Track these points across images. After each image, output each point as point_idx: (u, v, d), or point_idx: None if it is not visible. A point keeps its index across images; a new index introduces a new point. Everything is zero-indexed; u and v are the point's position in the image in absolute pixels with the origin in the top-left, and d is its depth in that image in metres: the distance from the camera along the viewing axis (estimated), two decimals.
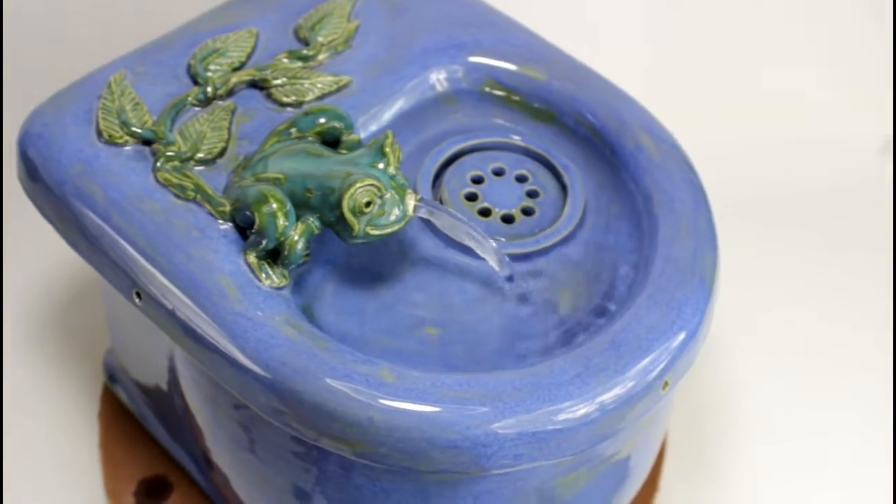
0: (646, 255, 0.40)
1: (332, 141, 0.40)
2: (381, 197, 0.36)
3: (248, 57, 0.43)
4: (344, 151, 0.39)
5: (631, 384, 0.36)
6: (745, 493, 0.50)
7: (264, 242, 0.37)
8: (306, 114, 0.40)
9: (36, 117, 0.41)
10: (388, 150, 0.37)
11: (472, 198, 0.41)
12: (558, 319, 0.38)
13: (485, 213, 0.41)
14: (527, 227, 0.40)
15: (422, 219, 0.38)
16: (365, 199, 0.36)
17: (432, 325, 0.38)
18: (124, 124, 0.40)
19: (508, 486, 0.38)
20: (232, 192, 0.38)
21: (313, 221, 0.37)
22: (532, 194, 0.41)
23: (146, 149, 0.40)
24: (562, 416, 0.35)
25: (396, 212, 0.37)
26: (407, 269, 0.39)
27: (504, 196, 0.41)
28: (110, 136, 0.40)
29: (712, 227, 0.40)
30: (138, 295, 0.38)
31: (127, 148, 0.40)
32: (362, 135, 0.42)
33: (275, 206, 0.36)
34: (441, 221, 0.38)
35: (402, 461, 0.35)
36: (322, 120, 0.39)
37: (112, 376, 0.50)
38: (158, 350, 0.44)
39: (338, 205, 0.36)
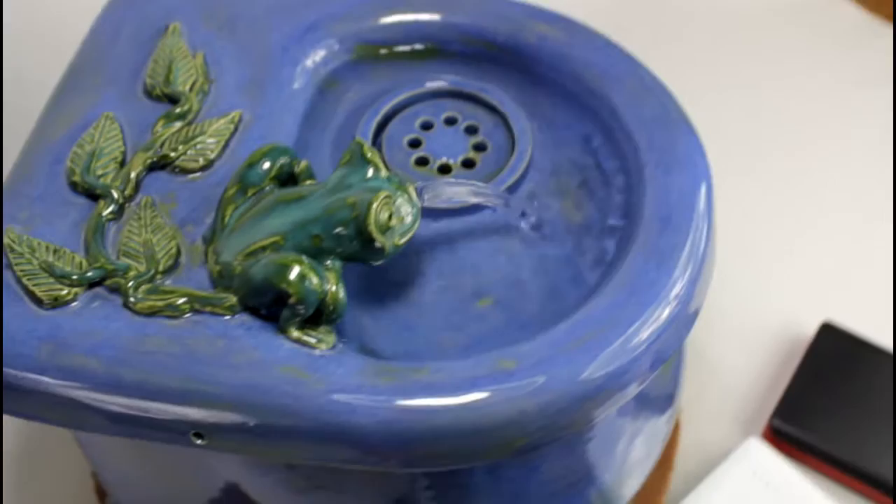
0: (613, 127, 0.39)
1: (286, 179, 0.36)
2: (394, 204, 0.34)
3: (125, 143, 0.38)
4: (308, 182, 0.36)
5: (688, 270, 0.35)
6: None
7: (304, 311, 0.33)
8: (249, 166, 0.35)
9: None
10: (369, 156, 0.34)
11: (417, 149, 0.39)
12: (580, 232, 0.37)
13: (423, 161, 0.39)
14: (493, 159, 0.39)
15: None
16: (386, 215, 0.33)
17: (481, 297, 0.36)
18: (61, 278, 0.34)
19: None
20: (227, 282, 0.34)
21: (334, 264, 0.34)
22: (471, 130, 0.40)
23: (101, 290, 0.35)
24: (665, 313, 0.35)
25: (409, 210, 0.34)
26: (420, 263, 0.37)
27: (446, 138, 0.39)
28: (55, 298, 0.34)
29: (659, 81, 0.40)
30: (199, 436, 0.33)
31: (79, 301, 0.34)
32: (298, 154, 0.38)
33: (300, 269, 0.33)
34: (444, 195, 0.36)
35: (562, 430, 0.33)
36: (267, 165, 0.36)
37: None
38: (186, 479, 0.39)
39: (359, 234, 0.33)
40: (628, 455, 0.40)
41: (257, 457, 0.34)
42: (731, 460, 0.47)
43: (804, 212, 0.56)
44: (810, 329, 0.52)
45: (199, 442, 0.34)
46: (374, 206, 0.33)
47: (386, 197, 0.33)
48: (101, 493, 0.47)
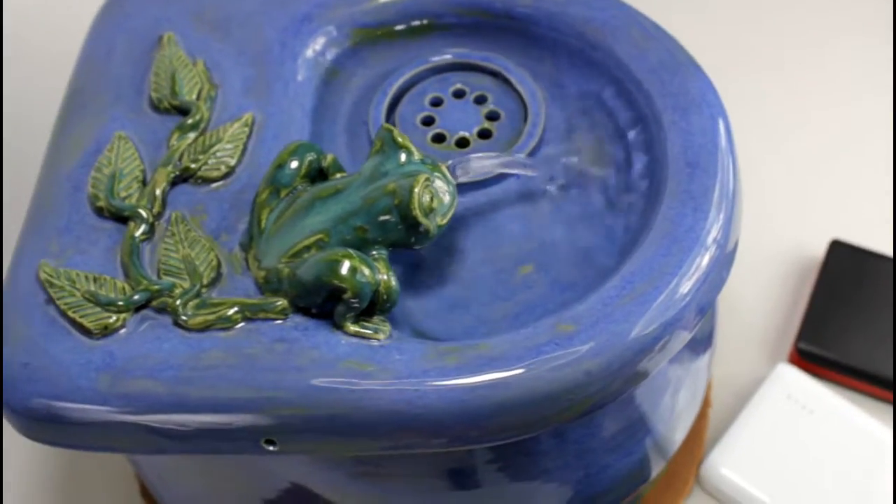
0: (622, 78, 0.39)
1: (316, 175, 0.36)
2: (433, 185, 0.34)
3: (143, 161, 0.37)
4: (339, 175, 0.36)
5: (722, 211, 0.36)
6: None
7: (359, 304, 0.33)
8: (278, 167, 0.35)
9: (12, 360, 0.34)
10: (400, 140, 0.34)
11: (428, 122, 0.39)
12: (607, 187, 0.38)
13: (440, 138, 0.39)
14: (507, 126, 0.39)
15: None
16: (428, 197, 0.33)
17: (522, 265, 0.36)
18: (107, 305, 0.34)
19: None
20: (275, 286, 0.34)
21: (380, 253, 0.34)
22: (480, 100, 0.40)
23: (148, 312, 0.34)
24: (706, 258, 0.35)
25: (446, 189, 0.34)
26: (456, 239, 0.37)
27: (459, 111, 0.40)
28: (104, 326, 0.34)
29: (659, 27, 0.40)
30: (270, 442, 0.33)
31: (128, 326, 0.34)
32: None
33: (350, 263, 0.33)
34: (475, 169, 0.36)
35: (625, 385, 0.34)
36: (296, 164, 0.35)
37: None
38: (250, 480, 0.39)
39: (403, 220, 0.33)
40: (677, 399, 0.41)
41: (329, 454, 0.34)
42: (764, 388, 0.48)
43: (802, 136, 0.57)
44: (820, 249, 0.53)
45: (271, 448, 0.34)
46: (417, 190, 0.33)
47: (426, 179, 0.33)
48: (147, 495, 0.46)
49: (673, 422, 0.41)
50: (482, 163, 0.36)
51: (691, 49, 0.60)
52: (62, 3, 0.63)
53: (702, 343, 0.42)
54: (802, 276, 0.52)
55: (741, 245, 0.53)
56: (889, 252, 0.53)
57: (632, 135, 0.38)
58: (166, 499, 0.43)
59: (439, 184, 0.34)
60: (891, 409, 0.49)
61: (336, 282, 0.32)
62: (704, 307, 0.35)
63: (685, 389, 0.41)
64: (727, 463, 0.46)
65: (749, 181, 0.55)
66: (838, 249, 0.51)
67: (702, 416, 0.47)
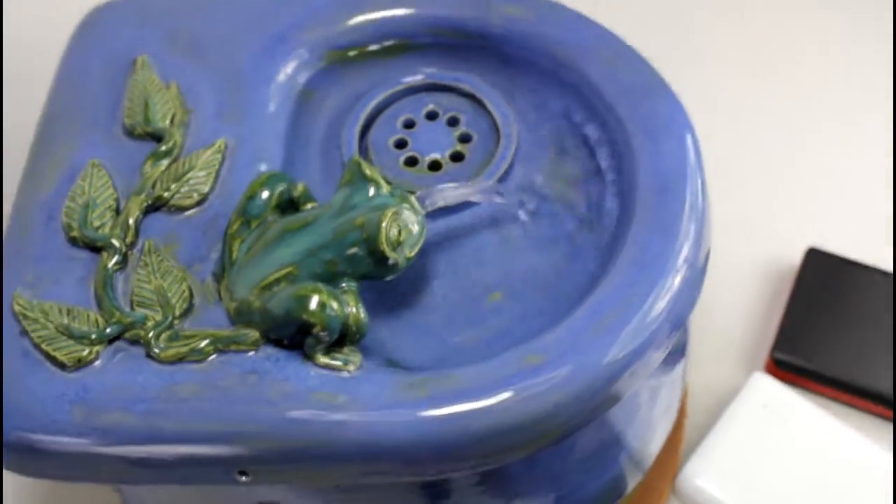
0: (592, 99, 0.39)
1: (287, 205, 0.36)
2: (401, 218, 0.34)
3: (116, 189, 0.38)
4: (310, 205, 0.36)
5: (691, 233, 0.36)
6: None
7: (328, 337, 0.33)
8: (249, 197, 0.35)
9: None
10: (368, 173, 0.34)
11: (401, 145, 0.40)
12: (576, 212, 0.38)
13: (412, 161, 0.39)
14: (479, 147, 0.39)
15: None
16: (395, 231, 0.33)
17: (491, 292, 0.37)
18: (80, 339, 0.34)
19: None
20: (247, 318, 0.34)
21: (349, 285, 0.34)
22: (453, 121, 0.40)
23: (121, 343, 0.35)
24: (677, 280, 0.35)
25: (415, 219, 0.34)
26: (425, 266, 0.37)
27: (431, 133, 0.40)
28: (79, 360, 0.34)
29: (630, 47, 0.40)
30: (243, 473, 0.34)
31: (101, 358, 0.34)
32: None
33: (319, 297, 0.33)
34: (444, 199, 0.36)
35: (594, 413, 0.34)
36: (266, 194, 0.36)
37: None
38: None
39: (371, 254, 0.33)
40: (652, 414, 0.41)
41: (301, 484, 0.35)
42: (739, 398, 0.48)
43: (778, 142, 0.57)
44: (796, 257, 0.53)
45: (243, 479, 0.34)
46: (384, 224, 0.33)
47: (393, 213, 0.33)
48: None
49: (648, 435, 0.42)
50: (452, 193, 0.36)
51: (664, 54, 0.60)
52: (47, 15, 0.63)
53: (676, 353, 0.43)
54: (778, 284, 0.53)
55: (716, 253, 0.54)
56: (866, 260, 0.53)
57: (602, 158, 0.39)
58: None
59: (407, 215, 0.34)
60: (866, 417, 0.49)
61: (305, 317, 0.33)
62: (677, 326, 0.35)
63: (660, 401, 0.42)
64: (703, 474, 0.47)
65: (724, 188, 0.55)
66: (815, 257, 0.51)
67: (677, 427, 0.48)
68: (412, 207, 0.34)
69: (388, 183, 0.35)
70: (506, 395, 0.33)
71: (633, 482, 0.42)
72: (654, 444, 0.42)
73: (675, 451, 0.48)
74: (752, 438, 0.47)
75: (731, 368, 0.51)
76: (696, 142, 0.38)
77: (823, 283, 0.51)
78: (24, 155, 0.58)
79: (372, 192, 0.34)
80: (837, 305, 0.50)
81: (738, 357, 0.51)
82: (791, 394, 0.48)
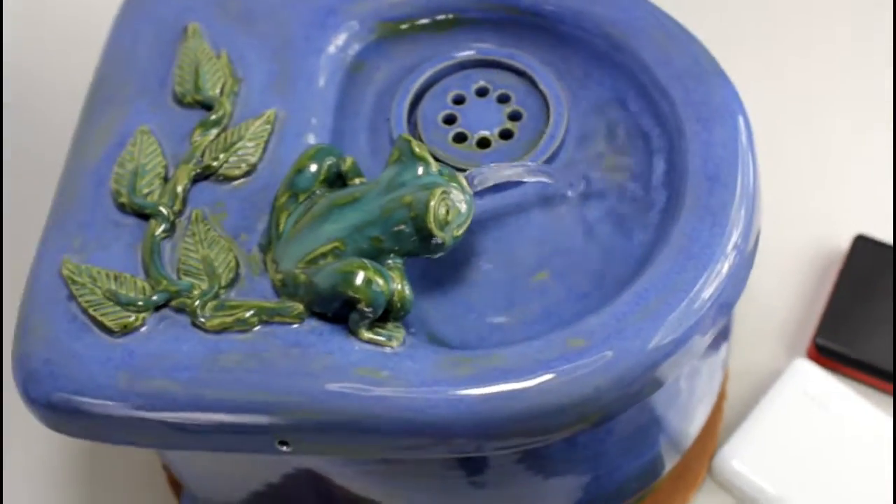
0: (645, 83, 0.39)
1: (335, 179, 0.36)
2: (449, 197, 0.34)
3: (165, 157, 0.38)
4: (358, 180, 0.36)
5: (741, 222, 0.36)
6: None
7: (373, 313, 0.33)
8: (298, 171, 0.36)
9: (28, 354, 0.35)
10: (418, 151, 0.34)
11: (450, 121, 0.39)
12: (625, 196, 0.38)
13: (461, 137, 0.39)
14: (529, 126, 0.39)
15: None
16: (444, 210, 0.33)
17: (537, 271, 0.37)
18: (127, 305, 0.35)
19: None
20: (292, 290, 0.35)
21: (395, 261, 0.34)
22: (503, 98, 0.40)
23: (167, 311, 0.35)
24: (725, 268, 0.35)
25: (462, 199, 0.34)
26: (472, 243, 0.37)
27: (480, 111, 0.39)
28: (125, 326, 0.35)
29: (685, 29, 0.39)
30: (284, 443, 0.34)
31: (147, 325, 0.35)
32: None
33: (365, 274, 0.33)
34: (493, 179, 0.36)
35: (636, 399, 0.34)
36: (315, 168, 0.36)
37: None
38: (265, 466, 0.40)
39: (418, 232, 0.33)
40: (693, 397, 0.41)
41: (341, 456, 0.35)
42: (780, 383, 0.48)
43: (827, 127, 0.56)
44: (844, 243, 0.53)
45: (284, 449, 0.34)
46: (432, 203, 0.33)
47: (442, 192, 0.33)
48: (175, 483, 0.48)
49: (688, 417, 0.42)
50: (501, 172, 0.36)
51: (714, 40, 0.59)
52: None
53: (719, 337, 0.42)
54: (825, 270, 0.52)
55: (763, 236, 0.53)
56: None
57: (653, 143, 0.38)
58: (183, 474, 0.44)
59: (456, 195, 0.34)
60: None
61: (351, 292, 0.33)
62: (724, 313, 0.35)
63: (702, 384, 0.42)
64: (740, 456, 0.46)
65: (773, 173, 0.55)
66: (862, 244, 0.51)
67: (716, 409, 0.48)
68: (460, 187, 0.34)
69: (437, 161, 0.34)
70: (548, 376, 0.33)
71: (670, 463, 0.42)
72: (693, 427, 0.42)
73: (713, 432, 0.48)
74: (790, 424, 0.47)
75: (772, 352, 0.50)
76: (749, 128, 0.37)
77: (870, 270, 0.50)
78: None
79: (421, 170, 0.34)
80: (883, 294, 0.50)
81: (780, 341, 0.51)
82: (832, 381, 0.48)
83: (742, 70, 0.58)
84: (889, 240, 0.52)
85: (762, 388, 0.49)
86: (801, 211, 0.54)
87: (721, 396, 0.48)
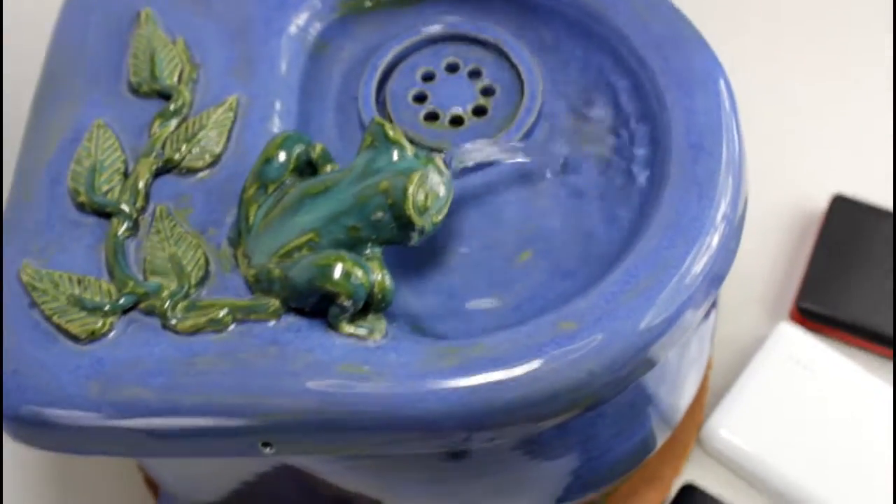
0: (622, 52, 0.38)
1: (305, 167, 0.34)
2: (427, 182, 0.32)
3: (124, 151, 0.36)
4: (329, 167, 0.34)
5: (728, 191, 0.35)
6: None
7: (353, 307, 0.32)
8: (266, 160, 0.34)
9: (6, 371, 0.33)
10: (392, 135, 0.33)
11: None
12: (607, 170, 0.36)
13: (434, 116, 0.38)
14: (503, 101, 0.38)
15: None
16: (422, 196, 0.32)
17: (520, 252, 0.35)
18: (94, 310, 0.33)
19: None
20: (266, 286, 0.33)
21: (373, 251, 0.33)
22: (475, 74, 0.38)
23: (136, 314, 0.33)
24: (714, 240, 0.34)
25: (440, 182, 0.33)
26: (451, 226, 0.36)
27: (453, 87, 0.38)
28: (92, 332, 0.33)
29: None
30: (267, 445, 0.33)
31: (116, 329, 0.33)
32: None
33: (343, 266, 0.31)
34: (471, 159, 0.34)
35: (629, 380, 0.33)
36: (283, 156, 0.34)
37: None
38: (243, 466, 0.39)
39: (397, 218, 0.32)
40: (683, 371, 0.40)
41: (327, 455, 0.34)
42: (765, 348, 0.47)
43: (803, 87, 0.55)
44: (821, 204, 0.52)
45: (267, 451, 0.33)
46: (410, 189, 0.31)
47: (420, 177, 0.32)
48: (151, 483, 0.46)
49: (679, 391, 0.41)
50: (479, 152, 0.34)
51: (684, 4, 0.58)
52: None
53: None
54: (803, 231, 0.51)
55: None
56: (892, 207, 0.51)
57: (633, 114, 0.37)
58: (159, 475, 0.43)
59: (434, 178, 0.32)
60: (892, 366, 0.48)
61: (329, 286, 0.31)
62: (715, 286, 0.34)
63: (692, 357, 0.41)
64: (728, 425, 0.46)
65: (748, 134, 0.54)
66: (840, 204, 0.50)
67: (703, 378, 0.47)
68: (438, 169, 0.33)
69: (411, 143, 0.33)
70: (539, 363, 0.32)
71: (661, 439, 0.41)
72: (683, 400, 0.41)
73: (700, 401, 0.47)
74: (777, 389, 0.46)
75: (755, 318, 0.50)
76: (731, 94, 0.36)
77: (849, 230, 0.50)
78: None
79: (396, 155, 0.33)
80: (864, 252, 0.49)
81: (762, 306, 0.50)
82: (817, 343, 0.47)
83: (710, 31, 0.57)
84: (867, 198, 0.52)
85: (747, 354, 0.49)
86: (777, 173, 0.53)
87: (707, 366, 0.47)
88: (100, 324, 0.33)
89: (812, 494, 0.44)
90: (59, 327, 0.33)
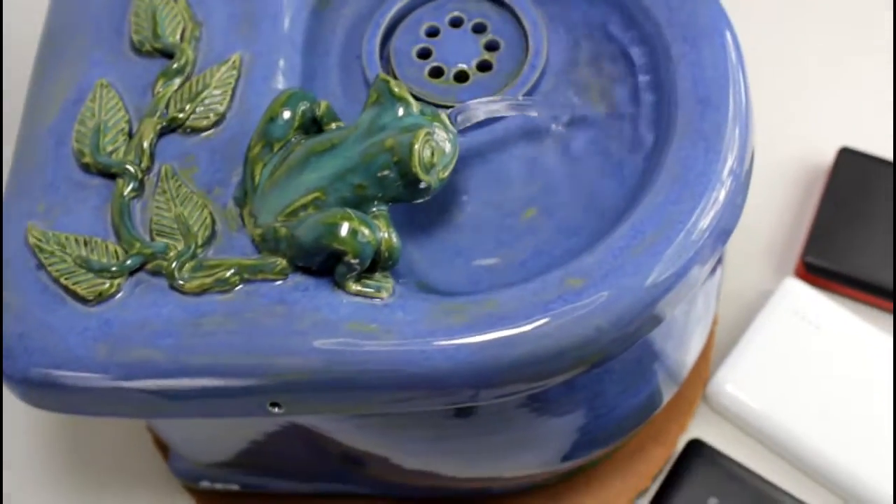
0: (630, 6, 0.37)
1: (310, 125, 0.34)
2: (433, 138, 0.32)
3: (128, 111, 0.36)
4: (334, 125, 0.34)
5: (735, 144, 0.34)
6: None
7: (360, 265, 0.32)
8: (270, 119, 0.34)
9: (7, 329, 0.33)
10: (397, 91, 0.32)
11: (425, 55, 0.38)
12: (613, 125, 0.36)
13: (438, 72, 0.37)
14: (507, 56, 0.37)
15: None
16: (428, 152, 0.32)
17: (526, 208, 0.35)
18: (100, 271, 0.33)
19: None
20: (272, 245, 0.33)
21: (379, 209, 0.33)
22: (479, 28, 0.38)
23: (143, 275, 0.33)
24: (721, 195, 0.34)
25: (446, 138, 0.33)
26: (457, 183, 0.36)
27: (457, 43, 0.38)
28: (99, 293, 0.33)
29: None
30: (275, 405, 0.33)
31: (123, 290, 0.33)
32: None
33: (350, 224, 0.31)
34: (477, 115, 0.34)
35: (637, 336, 0.33)
36: (288, 114, 0.34)
37: (193, 476, 0.44)
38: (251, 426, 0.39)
39: (403, 176, 0.32)
40: (689, 326, 0.40)
41: (336, 414, 0.34)
42: (770, 304, 0.47)
43: (808, 40, 0.55)
44: (828, 157, 0.51)
45: (276, 411, 0.33)
46: (417, 146, 0.31)
47: (426, 134, 0.32)
48: (161, 444, 0.46)
49: (686, 346, 0.41)
50: (485, 108, 0.34)
51: None
52: None
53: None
54: (810, 185, 0.51)
55: None
56: None
57: (639, 68, 0.37)
58: (169, 437, 0.43)
59: (440, 135, 0.32)
60: (892, 318, 0.48)
61: (336, 245, 0.31)
62: (722, 241, 0.34)
63: (698, 312, 0.41)
64: (734, 380, 0.46)
65: (754, 88, 0.53)
66: (847, 157, 0.50)
67: (709, 333, 0.47)
68: (444, 126, 0.33)
69: (416, 99, 0.33)
70: (546, 319, 0.32)
71: (668, 396, 0.41)
72: (690, 356, 0.41)
73: (706, 356, 0.47)
74: (783, 344, 0.46)
75: (761, 273, 0.49)
76: (737, 45, 0.36)
77: (856, 183, 0.49)
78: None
79: (401, 111, 0.32)
80: (870, 206, 0.49)
81: (768, 261, 0.50)
82: (822, 299, 0.47)
83: None
84: (874, 152, 0.51)
85: (753, 309, 0.49)
86: (783, 126, 0.53)
87: (714, 321, 0.47)
88: (107, 285, 0.33)
89: (817, 448, 0.44)
90: (66, 289, 0.33)
